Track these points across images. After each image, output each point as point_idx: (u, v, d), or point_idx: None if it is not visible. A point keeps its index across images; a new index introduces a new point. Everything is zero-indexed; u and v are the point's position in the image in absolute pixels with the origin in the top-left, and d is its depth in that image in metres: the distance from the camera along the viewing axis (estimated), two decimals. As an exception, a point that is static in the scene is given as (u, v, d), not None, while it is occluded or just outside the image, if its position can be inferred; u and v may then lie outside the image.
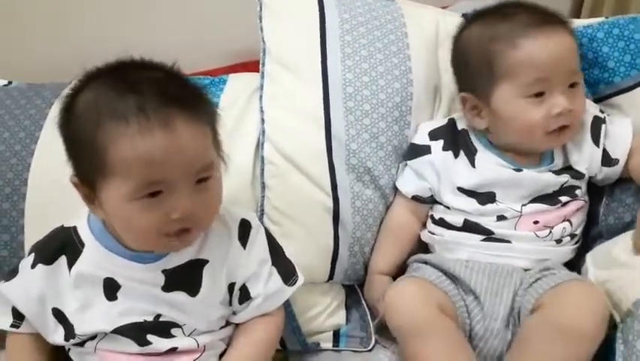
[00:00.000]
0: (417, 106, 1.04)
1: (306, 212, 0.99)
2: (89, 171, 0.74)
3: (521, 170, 0.95)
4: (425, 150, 1.01)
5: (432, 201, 1.02)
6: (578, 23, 1.07)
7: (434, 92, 1.07)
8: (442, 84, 1.08)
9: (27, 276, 0.81)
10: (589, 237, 1.00)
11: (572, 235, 0.97)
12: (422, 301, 0.86)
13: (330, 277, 1.01)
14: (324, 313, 1.01)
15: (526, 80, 0.91)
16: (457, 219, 0.97)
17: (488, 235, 0.95)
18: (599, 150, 0.97)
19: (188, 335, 0.80)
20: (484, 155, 0.98)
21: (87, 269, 0.80)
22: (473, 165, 0.98)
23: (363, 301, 1.04)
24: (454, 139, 1.01)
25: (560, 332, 0.80)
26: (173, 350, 0.79)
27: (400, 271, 1.02)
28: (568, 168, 0.98)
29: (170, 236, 0.75)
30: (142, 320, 0.79)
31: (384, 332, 0.96)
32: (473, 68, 0.97)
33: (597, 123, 0.98)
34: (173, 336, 0.79)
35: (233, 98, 1.06)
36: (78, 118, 0.74)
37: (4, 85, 1.14)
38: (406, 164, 1.03)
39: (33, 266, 0.81)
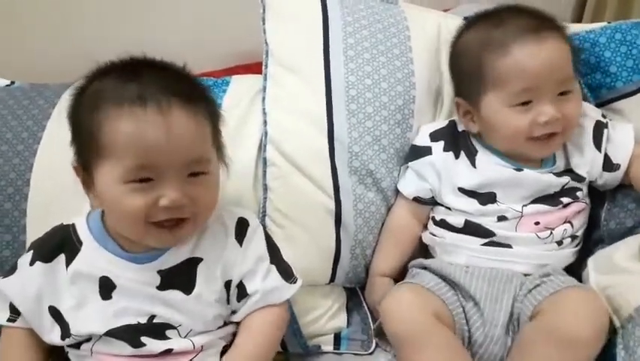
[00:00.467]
0: (419, 109, 1.04)
1: (308, 214, 0.99)
2: (86, 153, 0.77)
3: (522, 170, 0.96)
4: (426, 151, 1.01)
5: (433, 202, 1.02)
6: (580, 28, 1.07)
7: (436, 95, 1.07)
8: (444, 87, 1.08)
9: (25, 273, 0.82)
10: (590, 241, 1.00)
11: (573, 237, 0.97)
12: (419, 308, 0.86)
13: (332, 279, 1.01)
14: (325, 315, 1.01)
15: (513, 90, 0.91)
16: (458, 220, 0.97)
17: (489, 238, 0.95)
18: (601, 154, 0.97)
19: (184, 336, 0.80)
20: (484, 155, 0.98)
21: (84, 267, 0.80)
22: (474, 165, 0.98)
23: (365, 304, 1.04)
24: (455, 140, 1.01)
25: (558, 340, 0.80)
26: (168, 352, 0.79)
27: (401, 273, 1.02)
28: (569, 171, 0.98)
29: (161, 227, 0.76)
30: (135, 322, 0.79)
31: (385, 335, 0.96)
32: (465, 74, 0.98)
33: (599, 128, 0.98)
34: (168, 338, 0.79)
35: (236, 100, 1.06)
36: (83, 104, 0.77)
37: (7, 85, 1.14)
38: (407, 166, 1.03)
39: (31, 263, 0.82)
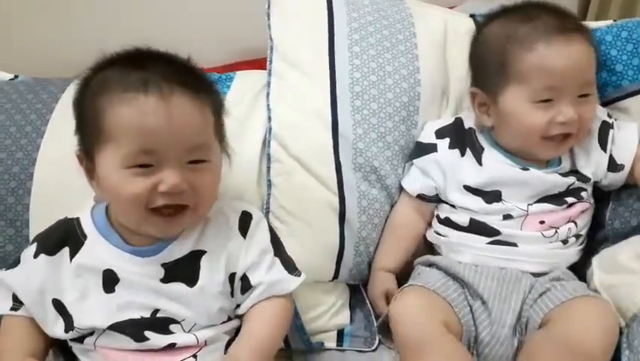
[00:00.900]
0: (424, 106, 1.04)
1: (312, 211, 0.99)
2: (89, 140, 0.78)
3: (528, 169, 0.95)
4: (431, 148, 1.00)
5: (437, 200, 1.02)
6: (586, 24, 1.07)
7: (442, 93, 1.07)
8: (449, 84, 1.07)
9: (29, 266, 0.82)
10: (595, 240, 1.00)
11: (577, 236, 0.97)
12: (426, 315, 0.85)
13: (335, 276, 1.01)
14: (328, 312, 1.01)
15: (535, 86, 0.91)
16: (463, 219, 0.97)
17: (494, 237, 0.95)
18: (606, 155, 0.97)
19: (188, 331, 0.80)
20: (490, 153, 0.98)
21: (88, 261, 0.80)
22: (480, 163, 0.98)
23: (368, 301, 1.04)
24: (461, 137, 1.01)
25: (568, 351, 0.79)
26: (171, 346, 0.79)
27: (404, 268, 1.02)
28: (574, 172, 0.98)
29: (160, 215, 0.76)
30: (139, 317, 0.79)
31: (387, 332, 0.96)
32: (487, 65, 0.97)
33: (605, 128, 0.98)
34: (172, 332, 0.79)
35: (240, 95, 1.06)
36: (87, 92, 0.79)
37: (10, 79, 1.14)
38: (412, 163, 1.02)
39: (35, 256, 0.82)
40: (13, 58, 1.22)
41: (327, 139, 0.99)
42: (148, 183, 0.74)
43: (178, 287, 0.80)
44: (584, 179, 0.97)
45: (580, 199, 0.96)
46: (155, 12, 1.39)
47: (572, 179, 0.96)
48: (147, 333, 0.78)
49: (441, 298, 0.89)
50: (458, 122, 1.03)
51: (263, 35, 1.08)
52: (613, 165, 0.97)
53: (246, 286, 0.82)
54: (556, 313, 0.85)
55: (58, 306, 0.80)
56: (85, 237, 0.82)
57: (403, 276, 1.01)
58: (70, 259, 0.81)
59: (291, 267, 0.86)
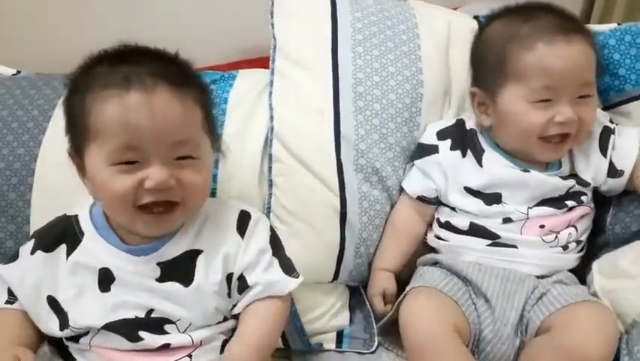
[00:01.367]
0: (427, 108, 1.04)
1: (313, 211, 0.99)
2: (77, 138, 0.78)
3: (529, 171, 0.95)
4: (433, 149, 1.00)
5: (437, 202, 1.02)
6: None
7: (444, 94, 1.07)
8: (452, 86, 1.07)
9: (25, 262, 0.82)
10: (595, 245, 1.00)
11: (578, 242, 0.97)
12: (437, 319, 0.85)
13: (335, 277, 1.01)
14: (327, 313, 1.01)
15: (534, 85, 0.91)
16: (463, 223, 0.97)
17: (494, 240, 0.95)
18: (606, 160, 0.97)
19: (183, 331, 0.80)
20: (491, 155, 0.98)
21: (84, 259, 0.80)
22: (480, 164, 0.98)
23: (367, 303, 1.04)
24: (462, 139, 1.00)
25: (568, 359, 0.79)
26: (166, 346, 0.79)
27: (404, 268, 1.02)
28: (574, 175, 0.98)
29: (149, 213, 0.76)
30: (133, 316, 0.79)
31: (387, 333, 0.96)
32: (487, 64, 0.97)
33: (606, 134, 0.98)
34: (167, 333, 0.79)
35: (243, 94, 1.06)
36: (74, 91, 0.79)
37: (13, 74, 1.14)
38: (413, 164, 1.02)
39: (32, 252, 0.82)
40: (16, 53, 1.22)
41: (329, 139, 0.99)
42: (134, 180, 0.74)
43: (173, 287, 0.80)
44: (583, 183, 0.97)
45: (580, 203, 0.96)
46: (157, 10, 1.38)
47: (571, 182, 0.96)
48: (141, 333, 0.78)
49: (449, 299, 0.89)
50: (460, 123, 1.03)
51: (266, 34, 1.08)
52: (613, 171, 0.97)
53: (243, 286, 0.82)
54: (556, 320, 0.85)
55: (53, 303, 0.80)
56: (82, 234, 0.82)
57: (403, 276, 1.01)
58: (67, 257, 0.81)
59: (289, 268, 0.85)
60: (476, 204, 0.96)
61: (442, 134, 1.01)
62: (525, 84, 0.91)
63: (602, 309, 0.86)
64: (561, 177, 0.96)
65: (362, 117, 1.00)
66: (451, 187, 0.99)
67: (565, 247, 0.95)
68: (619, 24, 1.10)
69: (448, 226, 0.99)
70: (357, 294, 1.06)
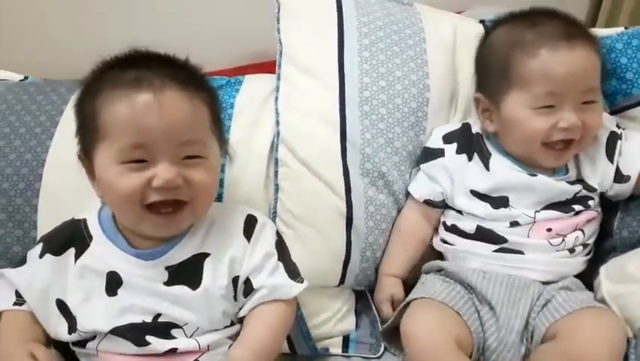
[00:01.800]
0: (433, 112, 1.03)
1: (319, 215, 0.99)
2: (87, 140, 0.79)
3: (536, 175, 0.95)
4: (439, 153, 1.00)
5: (443, 205, 1.02)
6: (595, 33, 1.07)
7: (450, 98, 1.07)
8: (458, 90, 1.07)
9: (34, 265, 0.82)
10: (602, 250, 1.00)
11: (585, 245, 0.96)
12: (439, 333, 0.84)
13: (341, 281, 1.01)
14: (333, 318, 1.01)
15: (537, 92, 0.91)
16: (470, 226, 0.97)
17: (501, 245, 0.95)
18: (613, 166, 0.97)
19: (190, 336, 0.80)
20: (498, 158, 0.98)
21: (92, 262, 0.81)
22: (487, 168, 0.98)
23: (374, 307, 1.03)
24: (468, 142, 1.00)
25: None
26: (172, 351, 0.79)
27: (411, 273, 1.02)
28: (581, 181, 0.97)
29: (157, 214, 0.76)
30: (140, 321, 0.79)
31: (393, 338, 0.96)
32: (491, 71, 0.97)
33: (613, 139, 0.97)
34: (174, 337, 0.79)
35: (249, 99, 1.06)
36: (85, 94, 0.80)
37: (20, 80, 1.14)
38: (419, 168, 1.02)
39: (41, 256, 0.82)
40: (23, 59, 1.23)
41: (335, 144, 0.99)
42: (142, 178, 0.74)
43: (181, 290, 0.80)
44: (590, 188, 0.96)
45: (587, 207, 0.96)
46: (163, 15, 1.39)
47: (578, 187, 0.95)
48: (148, 338, 0.78)
49: (450, 310, 0.88)
50: (466, 127, 1.03)
51: (272, 38, 1.08)
52: (619, 177, 0.97)
53: (249, 289, 0.82)
54: (561, 327, 0.84)
55: (62, 307, 0.80)
56: (90, 238, 0.82)
57: (410, 281, 1.01)
58: (75, 260, 0.81)
59: (294, 273, 0.85)
60: (483, 208, 0.96)
61: (448, 138, 1.01)
62: (528, 90, 0.91)
63: (608, 315, 0.86)
64: (568, 182, 0.96)
65: (368, 121, 1.00)
66: (457, 191, 0.99)
67: (572, 251, 0.95)
68: (626, 28, 1.10)
69: (454, 230, 0.99)
70: (363, 298, 1.06)
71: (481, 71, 1.01)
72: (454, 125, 1.04)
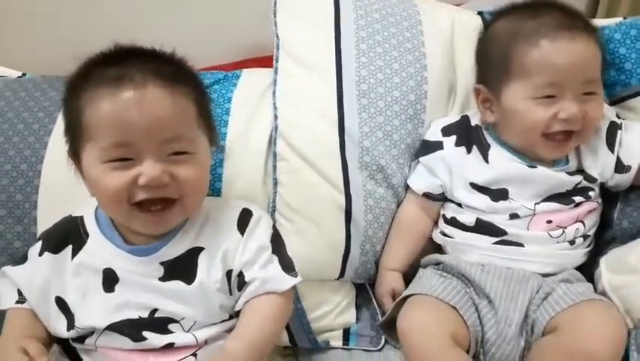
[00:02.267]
0: (431, 104, 1.03)
1: (318, 209, 0.98)
2: (74, 139, 0.78)
3: (535, 166, 0.95)
4: (437, 145, 1.00)
5: (443, 198, 1.01)
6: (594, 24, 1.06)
7: (449, 91, 1.06)
8: (456, 82, 1.07)
9: (34, 263, 0.83)
10: (602, 240, 0.99)
11: (585, 237, 0.96)
12: (435, 330, 0.84)
13: (341, 274, 1.01)
14: (334, 311, 1.01)
15: (538, 82, 0.91)
16: (470, 219, 0.97)
17: (500, 237, 0.95)
18: (614, 156, 0.96)
19: (187, 330, 0.80)
20: (497, 151, 0.98)
21: (89, 259, 0.81)
22: (486, 160, 0.98)
23: (374, 300, 1.04)
24: (467, 135, 1.00)
25: (577, 357, 0.79)
26: (170, 346, 0.79)
27: (410, 267, 1.02)
28: (581, 171, 0.97)
29: (146, 212, 0.76)
30: (137, 317, 0.79)
31: (392, 330, 0.96)
32: (492, 61, 0.97)
33: (613, 129, 0.97)
34: (171, 332, 0.79)
35: (247, 94, 1.06)
36: (69, 92, 0.80)
37: (19, 77, 1.14)
38: (418, 161, 1.02)
39: (40, 254, 0.83)
40: (21, 55, 1.23)
41: (334, 137, 0.99)
42: (128, 177, 0.74)
43: (176, 285, 0.80)
44: (590, 179, 0.96)
45: (587, 198, 0.96)
46: (161, 9, 1.39)
47: (578, 178, 0.95)
48: (145, 333, 0.78)
49: (446, 305, 0.88)
50: (464, 119, 1.02)
51: (269, 32, 1.08)
52: (620, 167, 0.96)
53: (242, 282, 0.82)
54: (562, 319, 0.84)
55: (61, 304, 0.81)
56: (87, 235, 0.83)
57: (411, 274, 1.01)
58: (72, 258, 0.81)
59: (288, 267, 0.85)
60: (483, 200, 0.96)
61: (446, 131, 1.01)
62: (529, 81, 0.91)
63: (608, 307, 0.85)
64: (568, 172, 0.96)
65: (366, 115, 1.00)
66: (456, 183, 0.99)
67: (572, 242, 0.95)
68: (624, 18, 1.09)
69: (453, 222, 0.99)
70: (363, 291, 1.06)
71: (481, 61, 1.01)
72: (453, 117, 1.04)
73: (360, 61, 1.02)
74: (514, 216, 0.95)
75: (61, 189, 0.96)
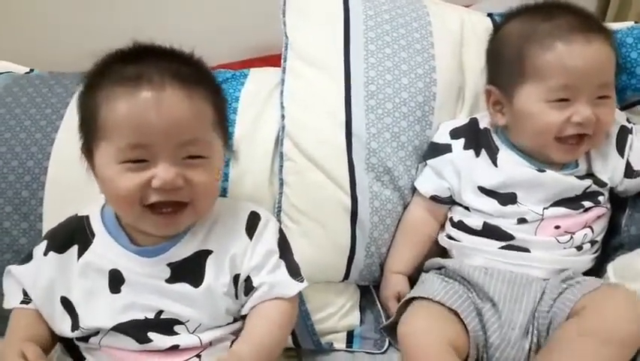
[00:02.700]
0: (439, 106, 1.03)
1: (324, 210, 0.98)
2: (88, 137, 0.78)
3: (544, 170, 0.94)
4: (446, 148, 0.99)
5: (450, 201, 1.01)
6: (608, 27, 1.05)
7: (457, 93, 1.06)
8: (465, 85, 1.06)
9: (39, 263, 0.82)
10: (610, 246, 0.99)
11: (593, 243, 0.95)
12: (433, 338, 0.84)
13: (346, 276, 1.01)
14: (338, 313, 1.01)
15: (553, 84, 0.90)
16: (477, 222, 0.96)
17: (507, 241, 0.94)
18: (623, 160, 0.96)
19: (192, 332, 0.79)
20: (506, 154, 0.97)
21: (95, 259, 0.80)
22: (495, 164, 0.97)
23: (378, 303, 1.03)
24: (476, 138, 1.00)
25: (602, 340, 0.78)
26: (174, 347, 0.78)
27: (416, 271, 1.02)
28: (591, 175, 0.96)
29: (157, 214, 0.75)
30: (143, 317, 0.78)
31: (397, 334, 0.95)
32: (504, 63, 0.96)
33: (624, 133, 0.97)
34: (176, 333, 0.79)
35: (254, 93, 1.06)
36: (86, 89, 0.79)
37: (26, 72, 1.14)
38: (426, 163, 1.01)
39: (45, 253, 0.82)
40: (29, 51, 1.23)
41: (341, 138, 0.99)
42: (142, 179, 0.74)
43: (183, 288, 0.79)
44: (600, 183, 0.95)
45: (597, 204, 0.95)
46: (168, 7, 1.39)
47: (588, 182, 0.94)
48: (150, 334, 0.78)
49: (447, 310, 0.88)
50: (473, 122, 1.02)
51: (278, 31, 1.07)
52: (629, 171, 0.96)
53: (249, 287, 0.82)
54: (584, 303, 0.83)
55: (66, 304, 0.80)
56: (93, 235, 0.82)
57: (416, 277, 1.01)
58: (78, 258, 0.81)
59: (294, 272, 0.84)
60: (491, 204, 0.95)
61: (455, 133, 1.00)
62: (543, 83, 0.90)
63: (627, 292, 0.84)
64: (577, 176, 0.95)
65: (374, 116, 0.99)
66: (464, 187, 0.98)
67: (579, 248, 0.94)
68: (636, 22, 1.08)
69: (460, 226, 0.98)
70: (367, 294, 1.05)
71: (493, 62, 1.00)
72: (462, 120, 1.03)
73: (369, 62, 1.01)
74: (522, 220, 0.94)
75: (68, 186, 0.97)
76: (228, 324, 0.82)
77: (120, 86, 0.74)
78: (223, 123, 0.83)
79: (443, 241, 1.01)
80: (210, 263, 0.81)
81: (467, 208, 0.99)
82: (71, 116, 1.00)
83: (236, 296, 0.82)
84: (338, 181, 0.98)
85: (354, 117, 0.99)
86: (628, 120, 0.99)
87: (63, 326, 0.80)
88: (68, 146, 0.97)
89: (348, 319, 1.01)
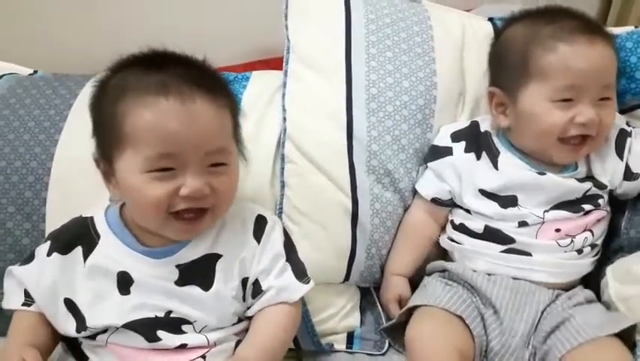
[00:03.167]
0: (440, 109, 1.03)
1: (325, 212, 0.99)
2: (108, 144, 0.77)
3: (545, 173, 0.95)
4: (447, 151, 1.00)
5: (451, 204, 1.01)
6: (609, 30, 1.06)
7: (458, 96, 1.06)
8: (466, 88, 1.07)
9: (42, 263, 0.82)
10: (609, 249, 0.99)
11: (593, 246, 0.96)
12: (441, 345, 0.84)
13: (346, 278, 1.01)
14: (338, 314, 1.01)
15: (557, 85, 0.90)
16: (478, 225, 0.97)
17: (509, 245, 0.94)
18: (623, 163, 0.96)
19: (199, 332, 0.80)
20: (506, 157, 0.97)
21: (102, 261, 0.81)
22: (496, 167, 0.97)
23: (378, 304, 1.04)
24: (477, 141, 1.00)
25: None
26: (182, 346, 0.79)
27: (416, 273, 1.02)
28: (591, 178, 0.97)
29: (180, 220, 0.76)
30: (153, 316, 0.79)
31: (397, 335, 0.96)
32: (508, 65, 0.97)
33: (623, 136, 0.97)
34: (184, 332, 0.79)
35: (256, 96, 1.06)
36: (105, 95, 0.78)
37: (30, 74, 1.15)
38: (427, 166, 1.02)
39: (49, 254, 0.82)
40: (33, 53, 1.24)
41: (342, 141, 0.99)
42: (170, 187, 0.74)
43: (193, 291, 0.80)
44: (600, 185, 0.96)
45: (597, 206, 0.95)
46: (172, 10, 1.40)
47: (588, 184, 0.95)
48: (160, 333, 0.79)
49: (452, 316, 0.88)
50: (474, 125, 1.02)
51: (280, 34, 1.08)
52: (628, 174, 0.96)
53: (257, 290, 0.83)
54: (575, 356, 0.82)
55: (70, 305, 0.81)
56: (98, 236, 0.82)
57: (417, 279, 1.01)
58: (84, 260, 0.81)
59: (300, 274, 0.85)
60: (492, 207, 0.96)
61: (456, 136, 1.01)
62: (548, 83, 0.91)
63: (622, 351, 0.83)
64: (577, 178, 0.95)
65: (375, 119, 1.00)
66: (465, 189, 0.98)
67: (579, 251, 0.94)
68: (636, 27, 1.09)
69: (462, 229, 0.99)
70: (368, 295, 1.06)
71: (496, 64, 1.01)
72: (462, 123, 1.04)
73: (370, 65, 1.02)
74: (522, 223, 0.94)
75: (71, 187, 0.97)
76: (233, 325, 0.83)
77: (146, 95, 0.74)
78: (238, 130, 0.85)
79: (445, 243, 1.01)
80: (220, 268, 0.81)
81: (468, 211, 0.99)
82: (75, 118, 1.02)
83: (244, 299, 0.83)
84: (339, 183, 0.98)
85: (355, 120, 1.00)
86: (627, 124, 0.99)
87: (67, 326, 0.80)
88: (72, 147, 0.99)
89: (348, 320, 1.01)
